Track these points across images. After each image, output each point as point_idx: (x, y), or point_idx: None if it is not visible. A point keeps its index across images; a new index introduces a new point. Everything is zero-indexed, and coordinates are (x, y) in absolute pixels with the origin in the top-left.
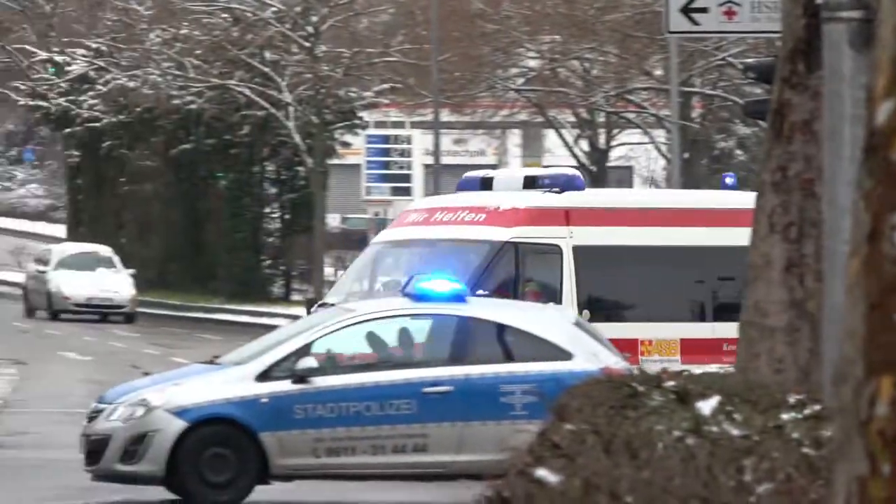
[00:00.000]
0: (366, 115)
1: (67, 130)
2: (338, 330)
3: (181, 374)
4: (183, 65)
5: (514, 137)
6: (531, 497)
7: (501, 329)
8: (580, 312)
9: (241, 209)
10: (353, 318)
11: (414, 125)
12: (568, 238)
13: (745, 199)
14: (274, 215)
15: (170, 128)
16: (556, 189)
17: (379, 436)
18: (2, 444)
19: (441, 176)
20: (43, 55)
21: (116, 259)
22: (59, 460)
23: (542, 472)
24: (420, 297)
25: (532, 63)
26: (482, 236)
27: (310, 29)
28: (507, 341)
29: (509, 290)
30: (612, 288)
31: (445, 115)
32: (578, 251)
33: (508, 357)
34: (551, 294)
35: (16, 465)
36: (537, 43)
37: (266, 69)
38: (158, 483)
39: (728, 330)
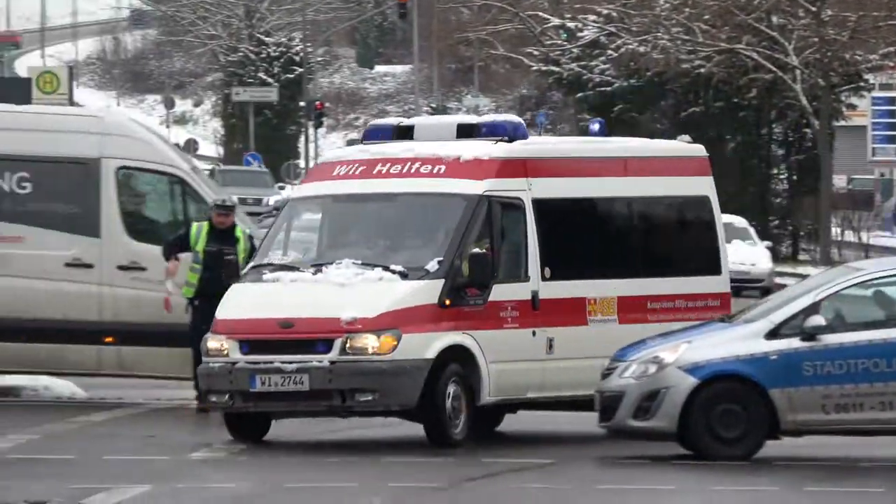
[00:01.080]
0: (871, 78)
1: (579, 95)
2: (845, 289)
3: (692, 332)
4: (692, 30)
5: None
6: None
7: None
8: (542, 270)
9: (750, 171)
10: (861, 277)
11: None
12: (528, 190)
13: (694, 150)
14: (781, 176)
15: (679, 91)
16: (506, 138)
17: (887, 392)
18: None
19: None
20: (556, 21)
21: (752, 231)
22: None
23: None
24: None
25: None
26: (453, 189)
27: None
28: None
29: (485, 249)
30: (574, 243)
31: None
32: (538, 204)
33: None
34: (516, 252)
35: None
36: None
37: (773, 33)
38: (670, 439)
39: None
